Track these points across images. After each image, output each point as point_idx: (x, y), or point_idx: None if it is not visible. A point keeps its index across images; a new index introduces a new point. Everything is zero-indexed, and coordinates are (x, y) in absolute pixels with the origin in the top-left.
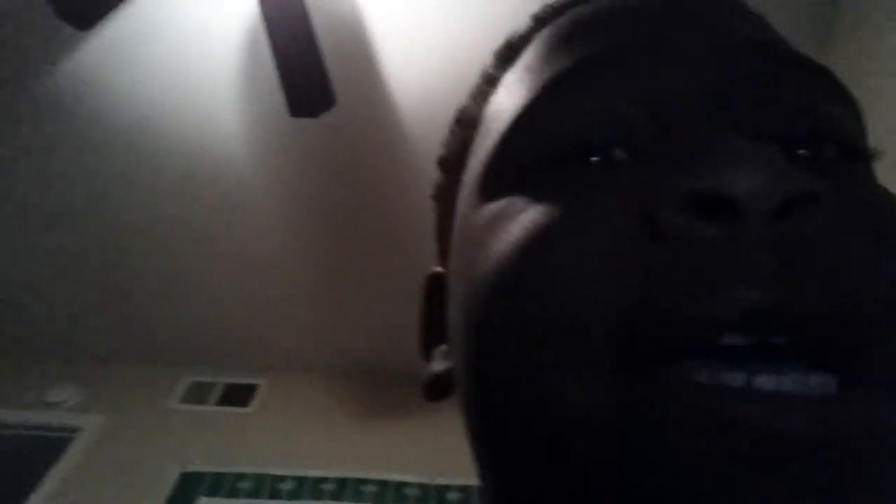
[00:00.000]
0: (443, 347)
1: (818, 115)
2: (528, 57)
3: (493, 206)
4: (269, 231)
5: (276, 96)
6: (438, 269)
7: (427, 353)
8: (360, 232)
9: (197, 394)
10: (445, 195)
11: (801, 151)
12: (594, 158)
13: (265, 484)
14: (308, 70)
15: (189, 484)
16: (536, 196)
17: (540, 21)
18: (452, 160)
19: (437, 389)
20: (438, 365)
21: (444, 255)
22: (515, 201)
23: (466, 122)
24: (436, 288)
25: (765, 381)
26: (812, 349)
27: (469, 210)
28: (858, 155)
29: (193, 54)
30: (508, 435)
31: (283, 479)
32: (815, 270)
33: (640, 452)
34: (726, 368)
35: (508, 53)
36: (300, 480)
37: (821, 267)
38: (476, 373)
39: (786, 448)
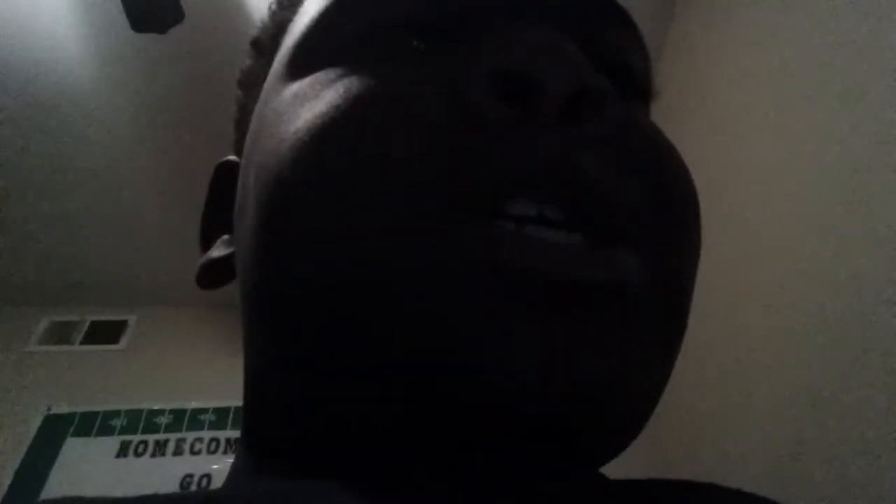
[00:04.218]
0: (225, 237)
1: (617, 45)
2: None
3: (302, 83)
4: (122, 156)
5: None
6: (230, 158)
7: (207, 244)
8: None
9: (59, 333)
10: (252, 80)
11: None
12: (408, 40)
13: (140, 419)
14: None
15: (55, 425)
16: (349, 70)
17: None
18: (266, 43)
19: (212, 275)
20: (218, 251)
21: (240, 143)
22: (326, 74)
23: (287, 3)
24: (224, 177)
25: (533, 230)
26: (571, 217)
27: (273, 89)
28: (643, 93)
29: None
30: (311, 289)
31: (159, 412)
32: (587, 161)
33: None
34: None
35: None
36: (178, 413)
37: (594, 161)
38: (276, 235)
39: (549, 286)
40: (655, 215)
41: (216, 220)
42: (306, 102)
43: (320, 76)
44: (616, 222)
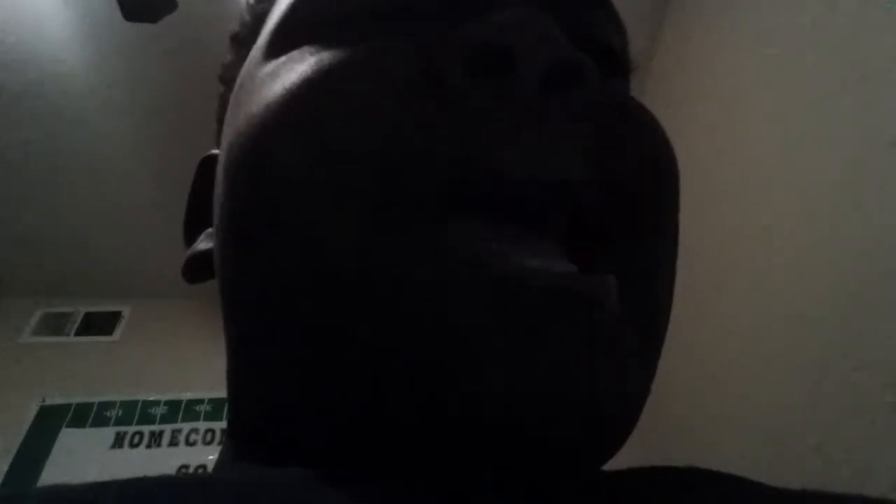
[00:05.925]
0: (209, 230)
1: (594, 24)
2: None
3: (276, 62)
4: (116, 147)
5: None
6: (213, 151)
7: (192, 239)
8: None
9: (53, 325)
10: (233, 75)
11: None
12: (382, 20)
13: (135, 410)
14: None
15: (50, 416)
16: (322, 47)
17: None
18: (245, 36)
19: (198, 269)
20: (202, 245)
21: (220, 135)
22: (300, 52)
23: None
24: (207, 171)
25: (510, 244)
26: (551, 234)
27: (248, 74)
28: (621, 69)
29: None
30: (266, 278)
31: (154, 403)
32: (568, 161)
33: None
34: (483, 228)
35: None
36: (173, 404)
37: (574, 158)
38: (234, 216)
39: (539, 296)
40: (635, 223)
41: (200, 213)
42: (277, 78)
43: (294, 54)
44: (594, 245)
